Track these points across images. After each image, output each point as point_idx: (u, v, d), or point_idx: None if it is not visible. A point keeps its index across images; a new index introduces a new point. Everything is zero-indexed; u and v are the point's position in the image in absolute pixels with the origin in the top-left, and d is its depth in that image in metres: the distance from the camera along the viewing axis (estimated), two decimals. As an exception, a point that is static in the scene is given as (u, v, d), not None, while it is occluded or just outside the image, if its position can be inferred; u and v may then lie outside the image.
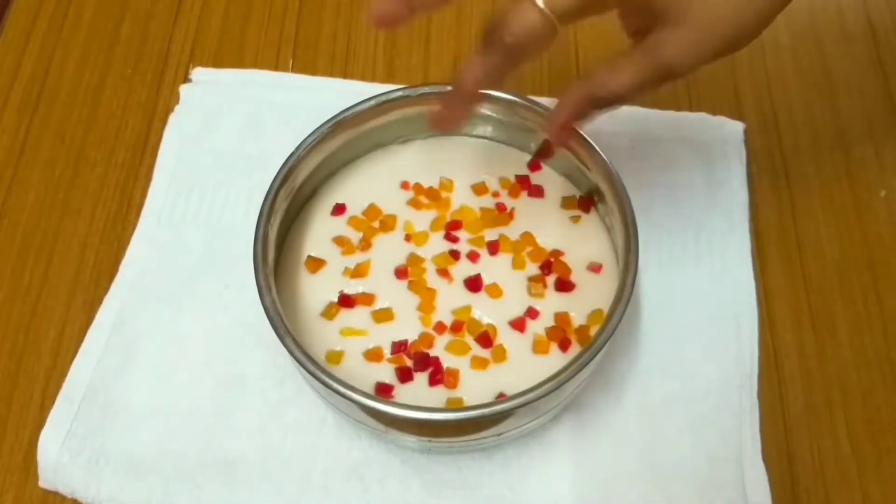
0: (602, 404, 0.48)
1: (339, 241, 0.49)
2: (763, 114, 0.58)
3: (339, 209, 0.50)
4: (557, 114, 0.42)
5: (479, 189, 0.50)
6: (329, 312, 0.47)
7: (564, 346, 0.45)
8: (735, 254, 0.52)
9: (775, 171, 0.56)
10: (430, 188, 0.50)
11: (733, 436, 0.47)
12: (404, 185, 0.50)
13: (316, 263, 0.48)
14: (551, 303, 0.47)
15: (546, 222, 0.49)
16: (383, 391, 0.44)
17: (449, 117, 0.45)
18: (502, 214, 0.49)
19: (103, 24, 0.63)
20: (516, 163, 0.51)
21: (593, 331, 0.45)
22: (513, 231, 0.49)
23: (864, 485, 0.47)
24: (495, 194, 0.50)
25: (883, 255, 0.53)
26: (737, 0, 0.37)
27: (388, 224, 0.49)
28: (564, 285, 0.47)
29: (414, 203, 0.50)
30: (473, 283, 0.47)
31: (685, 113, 0.58)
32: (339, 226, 0.49)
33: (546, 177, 0.51)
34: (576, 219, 0.49)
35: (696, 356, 0.50)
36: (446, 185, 0.50)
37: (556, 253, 0.48)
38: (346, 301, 0.47)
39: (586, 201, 0.50)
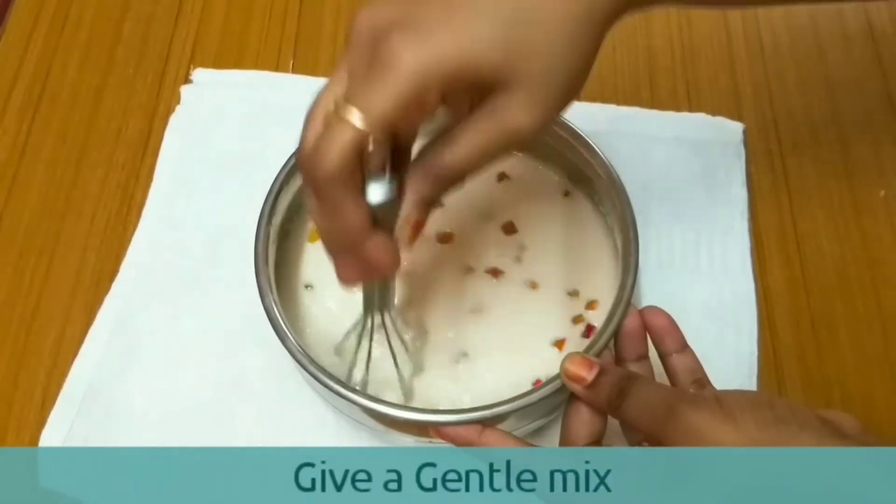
0: (602, 404, 0.48)
1: (340, 241, 0.49)
2: (762, 114, 0.58)
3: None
4: (403, 210, 0.36)
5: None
6: (329, 312, 0.47)
7: (563, 346, 0.45)
8: (734, 254, 0.52)
9: (774, 171, 0.56)
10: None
11: (733, 436, 0.47)
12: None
13: (316, 264, 0.48)
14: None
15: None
16: None
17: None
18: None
19: (104, 25, 0.63)
20: (517, 162, 0.51)
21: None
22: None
23: (863, 485, 0.47)
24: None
25: (882, 255, 0.53)
26: (563, 51, 0.34)
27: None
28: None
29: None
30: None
31: (685, 113, 0.58)
32: (340, 226, 0.49)
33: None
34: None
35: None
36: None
37: None
38: (346, 301, 0.47)
39: None
